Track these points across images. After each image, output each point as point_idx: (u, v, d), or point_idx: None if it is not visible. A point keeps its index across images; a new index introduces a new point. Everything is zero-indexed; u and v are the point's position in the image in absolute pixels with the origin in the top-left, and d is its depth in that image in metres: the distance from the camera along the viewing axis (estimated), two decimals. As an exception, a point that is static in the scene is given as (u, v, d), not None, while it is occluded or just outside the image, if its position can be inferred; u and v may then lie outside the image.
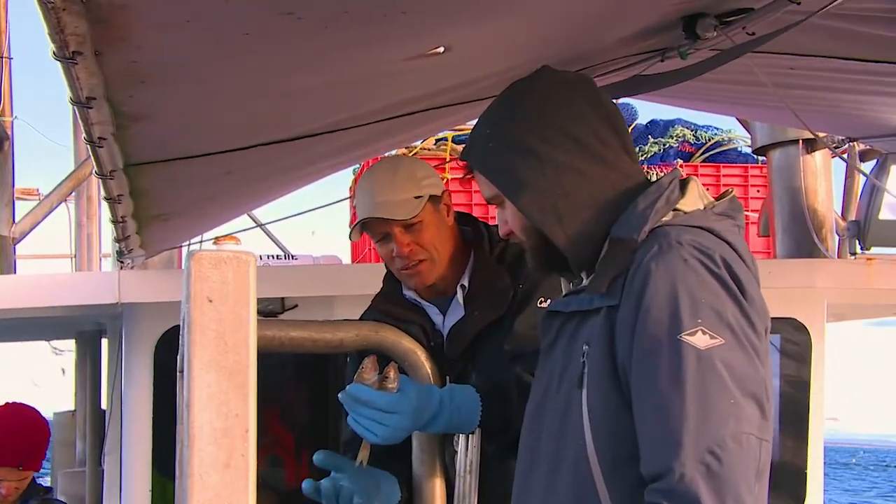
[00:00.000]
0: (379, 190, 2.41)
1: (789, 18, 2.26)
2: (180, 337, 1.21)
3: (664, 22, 2.35)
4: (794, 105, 3.07)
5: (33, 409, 3.88)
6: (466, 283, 2.44)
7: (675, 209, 1.71)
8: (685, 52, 2.47)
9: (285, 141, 2.54)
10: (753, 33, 2.35)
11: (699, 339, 1.53)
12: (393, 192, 2.40)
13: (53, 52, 1.59)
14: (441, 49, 2.00)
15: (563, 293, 1.90)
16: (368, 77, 2.23)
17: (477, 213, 4.30)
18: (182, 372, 1.11)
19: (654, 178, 1.79)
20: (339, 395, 2.06)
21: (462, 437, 2.16)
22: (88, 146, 2.17)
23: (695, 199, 1.73)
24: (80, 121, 1.97)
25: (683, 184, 1.75)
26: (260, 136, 2.48)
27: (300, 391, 4.33)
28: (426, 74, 2.31)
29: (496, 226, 2.56)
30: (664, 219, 1.69)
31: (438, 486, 2.18)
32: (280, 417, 4.37)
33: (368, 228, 2.45)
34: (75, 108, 1.89)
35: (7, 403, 3.86)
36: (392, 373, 2.04)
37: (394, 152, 5.10)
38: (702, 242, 1.62)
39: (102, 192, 2.71)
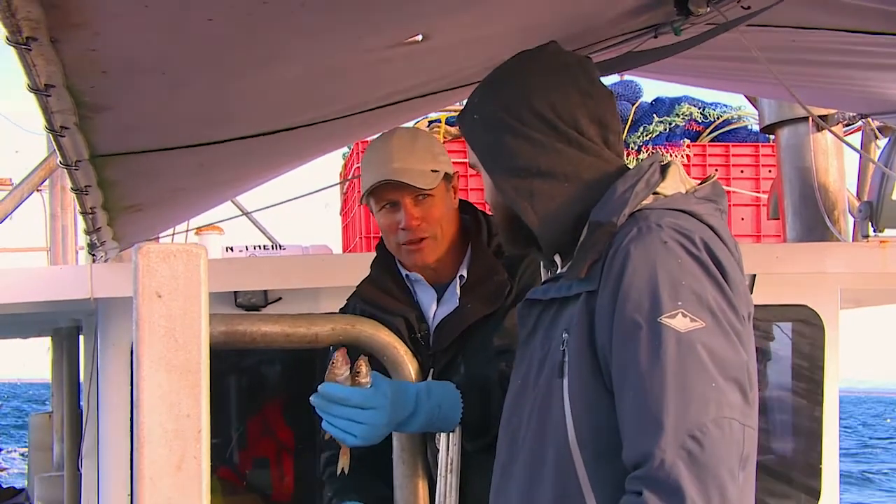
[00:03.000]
0: (397, 156, 2.42)
1: (786, -11, 2.27)
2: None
3: (655, -2, 2.36)
4: (796, 81, 3.08)
5: None
6: (465, 274, 2.47)
7: (655, 193, 1.74)
8: (678, 28, 2.48)
9: (262, 135, 2.55)
10: (749, 7, 2.37)
11: (679, 322, 1.57)
12: (412, 160, 2.42)
13: (6, 38, 1.60)
14: (419, 37, 2.02)
15: (542, 281, 1.93)
16: (347, 68, 2.25)
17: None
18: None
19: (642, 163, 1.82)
20: (311, 398, 2.07)
21: (443, 436, 2.18)
22: (51, 135, 2.18)
23: (676, 183, 1.77)
24: (39, 109, 1.99)
25: (665, 168, 1.79)
26: (232, 128, 2.49)
27: (303, 385, 4.34)
28: (406, 64, 2.32)
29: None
30: (644, 202, 1.72)
31: (420, 487, 2.21)
32: (282, 413, 4.40)
33: (377, 195, 2.46)
34: (34, 95, 1.90)
35: None
36: (363, 366, 2.06)
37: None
38: (682, 225, 1.66)
39: (69, 183, 2.73)
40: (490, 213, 2.63)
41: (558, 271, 1.86)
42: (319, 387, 2.07)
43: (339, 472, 2.17)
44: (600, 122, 1.83)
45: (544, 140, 1.79)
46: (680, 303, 1.58)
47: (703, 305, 1.59)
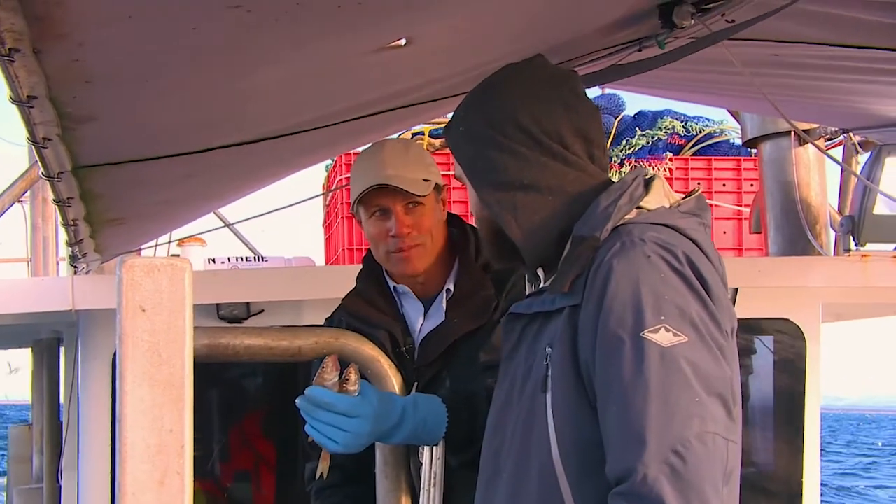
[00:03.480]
0: (390, 163, 2.43)
1: (771, 4, 2.29)
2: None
3: (640, 11, 2.37)
4: (778, 95, 3.10)
5: None
6: (452, 288, 2.46)
7: (638, 207, 1.75)
8: (662, 41, 2.49)
9: (246, 143, 2.55)
10: (733, 21, 2.38)
11: (662, 337, 1.56)
12: (404, 168, 2.43)
13: (-11, 50, 1.59)
14: (402, 42, 2.02)
15: (526, 294, 1.93)
16: (329, 74, 2.24)
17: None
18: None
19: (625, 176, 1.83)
20: (297, 400, 2.06)
21: (427, 449, 2.17)
22: (33, 147, 2.17)
23: (659, 197, 1.77)
24: (21, 120, 1.97)
25: (648, 182, 1.79)
26: (218, 138, 2.49)
27: (284, 397, 4.33)
28: (390, 70, 2.32)
29: None
30: (627, 216, 1.73)
31: (403, 500, 2.20)
32: (261, 427, 4.38)
33: (367, 202, 2.45)
34: (16, 106, 1.89)
35: None
36: (353, 374, 2.06)
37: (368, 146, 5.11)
38: (665, 239, 1.66)
39: (51, 195, 2.71)
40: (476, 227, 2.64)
41: (541, 285, 1.86)
42: (307, 390, 2.06)
43: (317, 476, 2.16)
44: (585, 137, 1.84)
45: (528, 154, 1.80)
46: (663, 317, 1.57)
47: (686, 320, 1.58)
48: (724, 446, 1.55)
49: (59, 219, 3.05)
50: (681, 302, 1.59)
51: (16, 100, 1.83)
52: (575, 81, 1.92)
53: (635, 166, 5.63)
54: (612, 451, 1.58)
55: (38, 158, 2.29)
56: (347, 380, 2.05)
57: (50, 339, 5.34)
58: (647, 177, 1.81)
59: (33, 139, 2.06)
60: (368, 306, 2.52)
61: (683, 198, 1.80)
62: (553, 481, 1.66)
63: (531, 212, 1.80)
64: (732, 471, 1.57)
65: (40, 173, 2.45)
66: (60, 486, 4.62)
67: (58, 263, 6.98)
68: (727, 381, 1.59)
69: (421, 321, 2.50)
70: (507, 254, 1.91)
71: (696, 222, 1.75)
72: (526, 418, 1.74)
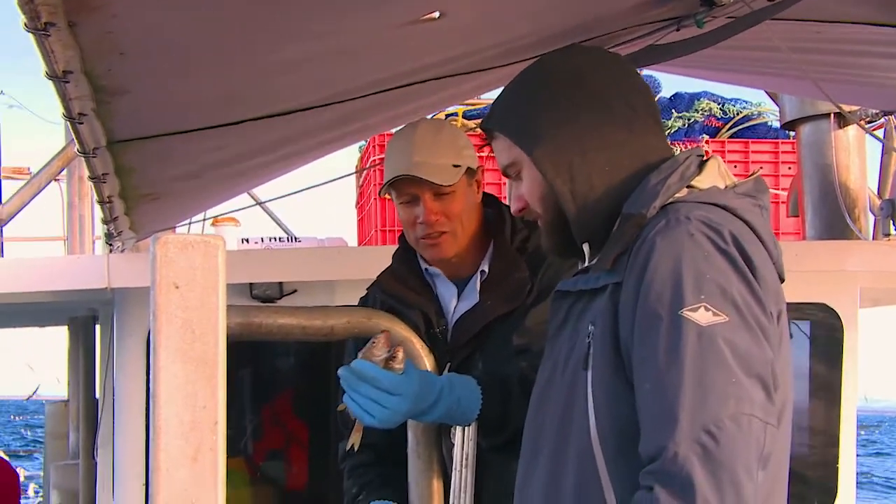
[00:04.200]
0: (418, 149, 2.40)
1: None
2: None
3: (678, -12, 2.33)
4: (819, 76, 3.05)
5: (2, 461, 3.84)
6: (486, 269, 2.45)
7: (689, 186, 1.71)
8: (701, 20, 2.45)
9: (277, 115, 2.54)
10: (773, -2, 2.34)
11: (701, 316, 1.53)
12: (433, 155, 2.40)
13: (24, 24, 1.59)
14: (436, 14, 1.99)
15: (574, 273, 1.90)
16: (362, 46, 2.23)
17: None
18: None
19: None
20: (341, 370, 2.06)
21: (459, 430, 2.17)
22: (69, 123, 2.17)
23: (713, 177, 1.74)
24: (57, 96, 1.98)
25: (704, 162, 1.76)
26: (249, 110, 2.48)
27: (316, 377, 4.34)
28: (424, 42, 2.30)
29: None
30: (677, 195, 1.70)
31: (435, 481, 2.19)
32: (293, 407, 4.40)
33: (397, 188, 2.44)
34: (52, 82, 1.89)
35: None
36: (400, 353, 2.06)
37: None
38: (712, 218, 1.62)
39: (87, 172, 2.72)
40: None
41: (587, 263, 1.84)
42: (353, 362, 2.05)
43: (348, 448, 2.15)
44: (648, 103, 1.83)
45: (591, 120, 1.77)
46: (703, 296, 1.54)
47: (728, 300, 1.55)
48: (761, 429, 1.51)
49: (95, 196, 3.06)
50: (723, 281, 1.56)
51: (51, 75, 1.83)
52: (623, 59, 1.92)
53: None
54: (645, 430, 1.56)
55: (73, 134, 2.30)
56: (395, 357, 2.05)
57: (86, 317, 5.38)
58: (702, 157, 1.78)
59: (69, 115, 2.07)
60: (403, 286, 2.51)
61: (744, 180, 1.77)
62: (591, 459, 1.64)
63: (586, 182, 1.76)
64: (770, 454, 1.54)
65: (76, 150, 2.46)
66: (96, 463, 4.65)
67: (94, 242, 7.02)
68: (767, 363, 1.56)
69: (455, 303, 2.49)
70: (567, 246, 1.87)
71: (751, 203, 1.72)
72: (567, 396, 1.72)
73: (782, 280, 1.72)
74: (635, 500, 1.54)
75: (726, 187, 1.74)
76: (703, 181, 1.73)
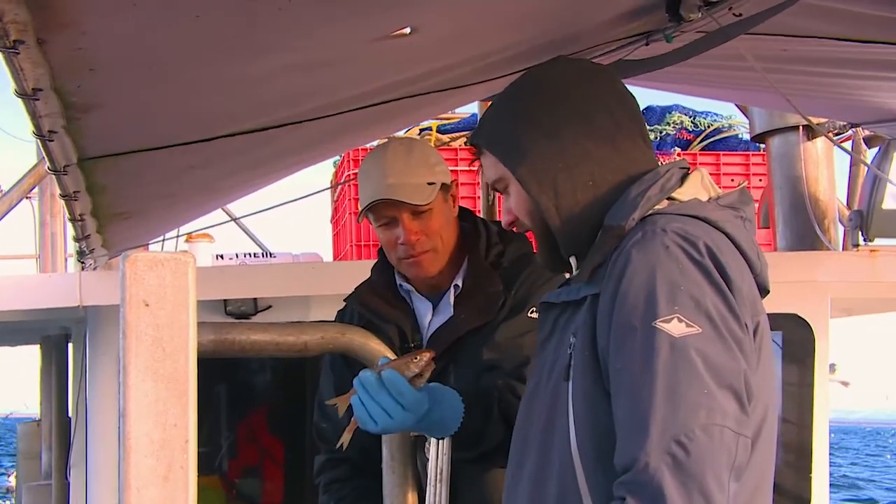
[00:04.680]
0: (391, 171, 2.40)
1: (778, -2, 2.26)
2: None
3: (647, 3, 2.35)
4: (788, 89, 3.08)
5: None
6: (460, 283, 2.45)
7: (670, 198, 1.72)
8: (670, 35, 2.47)
9: (249, 132, 2.53)
10: (740, 14, 2.36)
11: (674, 327, 1.54)
12: (407, 175, 2.40)
13: (-6, 43, 1.58)
14: (407, 30, 2.00)
15: (559, 284, 1.91)
16: (335, 62, 2.23)
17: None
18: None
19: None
20: (366, 373, 2.04)
21: (433, 444, 2.16)
22: (39, 141, 2.16)
23: (695, 189, 1.75)
24: (27, 114, 1.96)
25: (687, 174, 1.77)
26: (221, 127, 2.47)
27: (291, 394, 4.32)
28: (397, 58, 2.31)
29: (497, 224, 2.58)
30: (657, 207, 1.71)
31: (410, 495, 2.19)
32: (269, 424, 4.38)
33: (374, 211, 2.44)
34: (21, 100, 1.88)
35: None
36: (428, 373, 2.05)
37: (375, 143, 5.11)
38: (688, 230, 1.63)
39: (58, 190, 2.71)
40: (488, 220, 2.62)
41: (572, 274, 1.85)
42: (384, 372, 2.03)
43: (338, 446, 2.13)
44: (633, 117, 1.84)
45: (574, 136, 1.78)
46: (676, 307, 1.55)
47: (701, 311, 1.56)
48: (732, 439, 1.51)
49: (67, 214, 3.04)
50: (696, 293, 1.57)
51: (21, 93, 1.82)
52: (609, 70, 1.92)
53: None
54: (619, 441, 1.56)
55: (44, 152, 2.28)
56: (421, 376, 2.04)
57: (58, 336, 5.35)
58: (686, 169, 1.79)
59: (38, 132, 2.06)
60: (380, 300, 2.51)
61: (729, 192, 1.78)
62: (571, 469, 1.65)
63: (571, 197, 1.77)
64: (741, 465, 1.53)
65: (46, 167, 2.45)
66: (69, 483, 4.61)
67: (66, 260, 6.98)
68: (741, 374, 1.56)
69: (429, 317, 2.50)
70: (557, 259, 1.87)
71: (733, 215, 1.72)
72: (550, 406, 1.73)
73: (767, 292, 1.73)
74: None
75: (710, 199, 1.75)
76: (684, 193, 1.74)
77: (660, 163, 1.85)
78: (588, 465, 1.63)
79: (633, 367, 1.55)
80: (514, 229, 1.92)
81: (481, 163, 1.93)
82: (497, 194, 4.65)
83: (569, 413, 1.67)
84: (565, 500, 1.66)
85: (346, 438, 2.12)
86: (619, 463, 1.55)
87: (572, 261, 1.86)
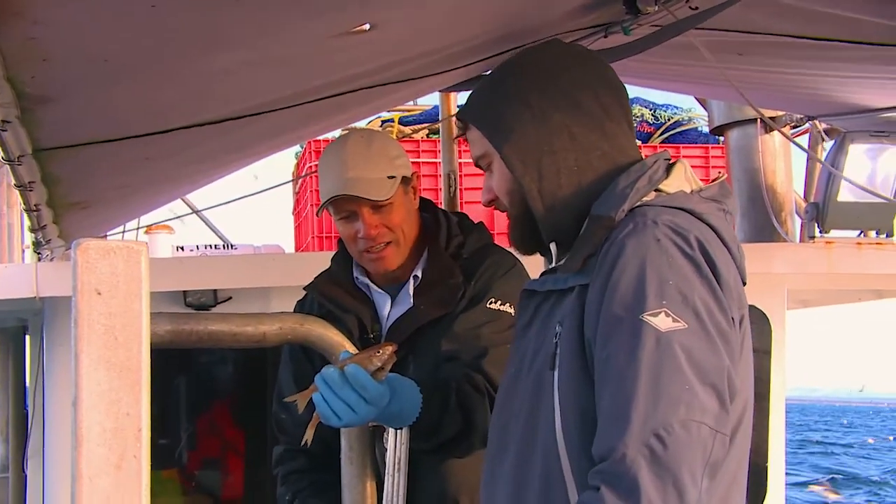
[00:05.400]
0: (352, 165, 2.39)
1: (732, -8, 2.29)
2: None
3: (604, -4, 2.37)
4: (745, 84, 3.11)
5: None
6: (420, 275, 2.45)
7: (657, 190, 1.73)
8: (628, 27, 2.50)
9: (207, 124, 2.52)
10: (697, 7, 2.38)
11: (661, 321, 1.55)
12: (366, 170, 2.39)
13: (-57, 32, 1.57)
14: (367, 26, 2.00)
15: (541, 272, 1.92)
16: (293, 56, 2.23)
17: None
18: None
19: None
20: (328, 370, 2.04)
21: (392, 434, 2.17)
22: (-8, 130, 2.14)
23: (680, 182, 1.76)
24: (-21, 104, 1.95)
25: (671, 166, 1.78)
26: (179, 119, 2.46)
27: (252, 385, 4.31)
28: (356, 53, 2.31)
29: (457, 215, 2.58)
30: (645, 199, 1.71)
31: (368, 485, 2.19)
32: (230, 415, 4.36)
33: (335, 205, 2.43)
34: (-26, 91, 1.87)
35: None
36: (389, 366, 2.05)
37: (337, 132, 5.10)
38: (678, 223, 1.64)
39: (13, 180, 2.68)
40: (448, 212, 2.63)
41: (553, 263, 1.85)
42: (348, 367, 2.03)
43: (302, 443, 2.12)
44: (621, 104, 1.84)
45: (563, 119, 1.78)
46: (665, 301, 1.56)
47: (689, 306, 1.57)
48: (710, 436, 1.52)
49: (22, 204, 3.01)
50: (685, 288, 1.58)
51: (-28, 83, 1.80)
52: (600, 57, 1.92)
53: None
54: (599, 430, 1.57)
55: (-2, 143, 2.26)
56: (382, 369, 2.04)
57: (15, 328, 5.29)
58: (669, 160, 1.80)
59: (-8, 123, 2.04)
60: (340, 290, 2.51)
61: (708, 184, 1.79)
62: (555, 458, 1.66)
63: (555, 181, 1.77)
64: (717, 462, 1.55)
65: (0, 157, 2.42)
66: (26, 475, 4.57)
67: (23, 251, 6.89)
68: (723, 372, 1.57)
69: (388, 308, 2.50)
70: (531, 241, 1.88)
71: (716, 208, 1.73)
72: (532, 395, 1.73)
73: (744, 283, 1.74)
74: (582, 500, 1.56)
75: (692, 191, 1.76)
76: (670, 185, 1.74)
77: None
78: (573, 452, 1.64)
79: (618, 359, 1.56)
80: (493, 208, 1.92)
81: (467, 137, 1.93)
82: (459, 186, 4.68)
83: (554, 401, 1.67)
84: (549, 486, 1.67)
85: (309, 435, 2.11)
86: (597, 451, 1.56)
87: (552, 247, 1.86)
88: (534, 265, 2.09)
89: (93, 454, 1.02)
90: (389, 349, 2.05)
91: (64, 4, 1.56)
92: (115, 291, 1.05)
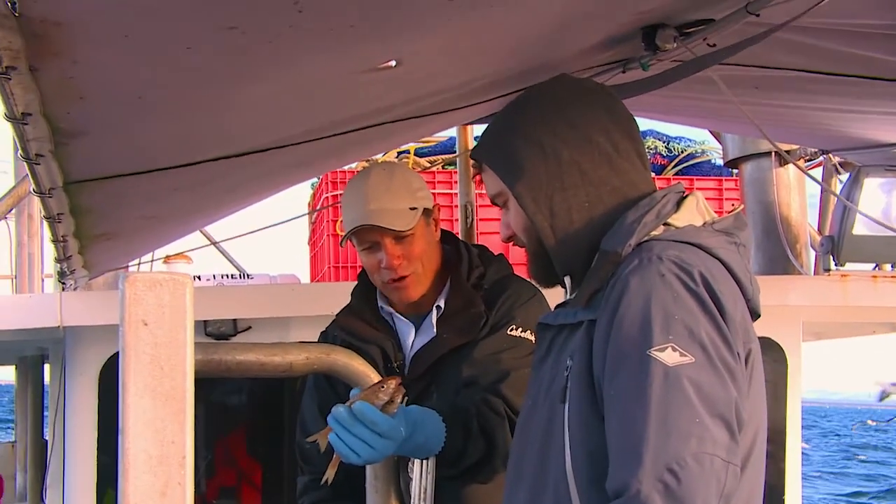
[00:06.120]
0: (374, 196, 2.44)
1: (751, 30, 2.33)
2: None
3: (624, 32, 2.41)
4: (761, 118, 3.14)
5: None
6: (442, 304, 2.49)
7: (666, 224, 1.75)
8: (646, 63, 2.53)
9: (234, 156, 2.57)
10: (714, 45, 2.42)
11: (668, 356, 1.56)
12: (389, 201, 2.44)
13: (-15, 68, 1.61)
14: (393, 63, 2.05)
15: (556, 306, 1.94)
16: (319, 92, 2.27)
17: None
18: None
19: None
20: (338, 409, 2.05)
21: (417, 464, 2.19)
22: (26, 164, 2.19)
23: (691, 215, 1.77)
24: (15, 137, 1.99)
25: (682, 200, 1.79)
26: (207, 152, 2.51)
27: (269, 415, 4.32)
28: (380, 88, 2.35)
29: (478, 247, 2.62)
30: (653, 233, 1.73)
31: (393, 515, 2.21)
32: (246, 446, 4.37)
33: (357, 236, 2.48)
34: (11, 123, 1.91)
35: None
36: (398, 398, 2.06)
37: (354, 165, 5.15)
38: (684, 258, 1.65)
39: (42, 211, 2.72)
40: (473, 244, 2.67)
41: (568, 295, 1.87)
42: (355, 404, 2.04)
43: (323, 482, 2.13)
44: (632, 138, 1.85)
45: (573, 156, 1.80)
46: (671, 336, 1.57)
47: (695, 341, 1.58)
48: (723, 468, 1.53)
49: (49, 235, 3.06)
50: (691, 322, 1.59)
51: (10, 117, 1.84)
52: (609, 90, 1.93)
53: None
54: (612, 466, 1.58)
55: (29, 175, 2.30)
56: (392, 402, 2.05)
57: (35, 356, 5.33)
58: (682, 193, 1.81)
59: (26, 156, 2.08)
60: (361, 322, 2.55)
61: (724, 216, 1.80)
62: (565, 491, 1.67)
63: (566, 218, 1.79)
64: (730, 493, 1.55)
65: (31, 189, 2.47)
66: (44, 504, 4.59)
67: (43, 280, 6.95)
68: (731, 404, 1.58)
69: (412, 337, 2.53)
70: (549, 275, 1.90)
71: (726, 241, 1.73)
72: (546, 427, 1.75)
73: (758, 316, 1.75)
74: None
75: (705, 223, 1.77)
76: (679, 219, 1.75)
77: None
78: (582, 486, 1.65)
79: (627, 395, 1.57)
80: (512, 244, 1.95)
81: (482, 177, 1.96)
82: (475, 217, 4.71)
83: (564, 434, 1.69)
84: None
85: (330, 474, 2.14)
86: (610, 488, 1.57)
87: (567, 280, 1.88)
88: (556, 296, 2.12)
89: (139, 481, 1.05)
90: (393, 382, 2.06)
91: (103, 45, 1.61)
92: (160, 322, 1.09)
